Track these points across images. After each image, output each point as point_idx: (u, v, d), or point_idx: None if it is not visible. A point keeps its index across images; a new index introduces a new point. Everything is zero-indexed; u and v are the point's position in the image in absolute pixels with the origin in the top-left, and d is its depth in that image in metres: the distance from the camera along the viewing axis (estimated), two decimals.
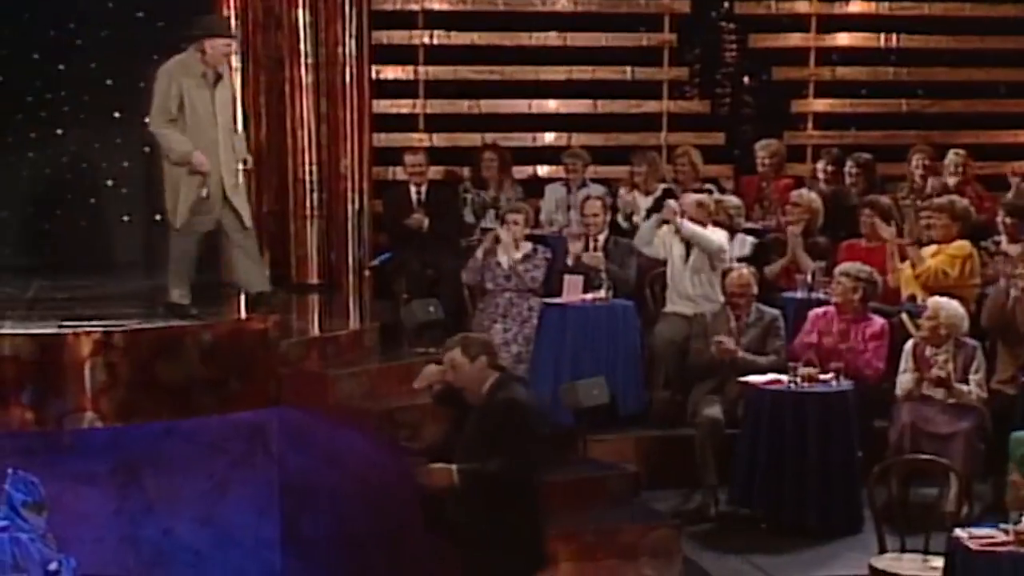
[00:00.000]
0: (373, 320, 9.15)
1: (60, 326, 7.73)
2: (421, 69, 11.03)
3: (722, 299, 8.55)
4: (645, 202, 10.13)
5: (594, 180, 10.53)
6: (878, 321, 8.37)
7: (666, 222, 8.93)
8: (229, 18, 9.43)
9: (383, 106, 10.88)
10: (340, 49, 10.19)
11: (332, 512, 7.85)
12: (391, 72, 10.97)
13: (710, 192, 9.91)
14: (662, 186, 10.27)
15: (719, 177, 10.89)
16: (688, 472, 8.15)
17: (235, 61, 10.15)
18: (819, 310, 8.46)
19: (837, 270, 8.49)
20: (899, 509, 6.84)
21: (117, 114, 11.35)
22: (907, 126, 11.52)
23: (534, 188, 10.73)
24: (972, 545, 5.96)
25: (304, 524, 8.11)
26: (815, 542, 7.56)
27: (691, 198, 9.17)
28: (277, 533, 8.26)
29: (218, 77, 8.30)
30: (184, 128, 8.21)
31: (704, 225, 8.92)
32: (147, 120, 8.56)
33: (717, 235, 8.90)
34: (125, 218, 11.48)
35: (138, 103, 11.23)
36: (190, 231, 8.35)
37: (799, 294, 9.01)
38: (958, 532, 6.12)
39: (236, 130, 8.65)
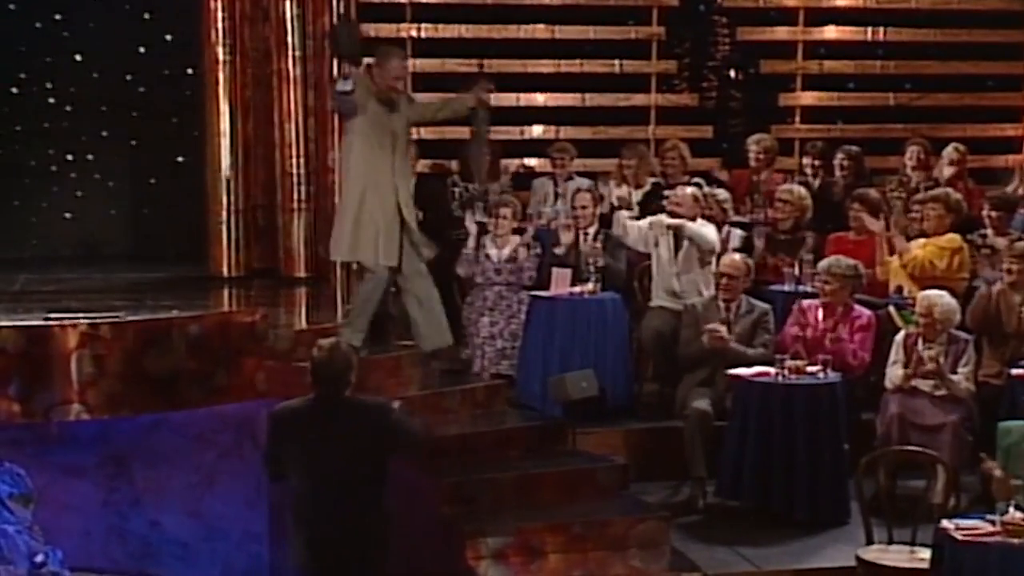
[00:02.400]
0: None
1: (46, 318, 7.71)
2: (409, 62, 10.97)
3: (711, 292, 8.56)
4: (635, 195, 10.13)
5: (581, 174, 10.51)
6: (864, 313, 8.40)
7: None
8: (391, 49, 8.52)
9: None
10: (328, 41, 10.18)
11: None
12: None
13: (699, 186, 9.92)
14: (651, 180, 10.27)
15: (713, 170, 10.87)
16: (676, 464, 8.15)
17: (223, 52, 10.21)
18: (804, 303, 8.47)
19: (820, 267, 8.50)
20: (886, 501, 6.86)
21: (104, 107, 11.36)
22: (895, 119, 11.56)
23: (522, 181, 10.72)
24: (959, 536, 5.99)
25: None
26: (803, 533, 7.56)
27: (687, 191, 9.15)
28: (265, 525, 8.25)
29: (392, 103, 8.10)
30: (356, 148, 8.08)
31: (694, 219, 8.92)
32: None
33: (711, 232, 8.91)
34: (112, 212, 11.49)
35: (123, 96, 11.32)
36: (383, 270, 8.09)
37: (787, 287, 9.03)
38: (945, 523, 6.15)
39: (408, 171, 8.37)
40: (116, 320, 7.74)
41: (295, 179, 10.31)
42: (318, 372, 6.00)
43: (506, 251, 9.20)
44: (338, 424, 5.91)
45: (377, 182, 8.04)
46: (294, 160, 10.28)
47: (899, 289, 8.93)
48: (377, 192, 8.05)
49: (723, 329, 8.21)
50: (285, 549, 7.95)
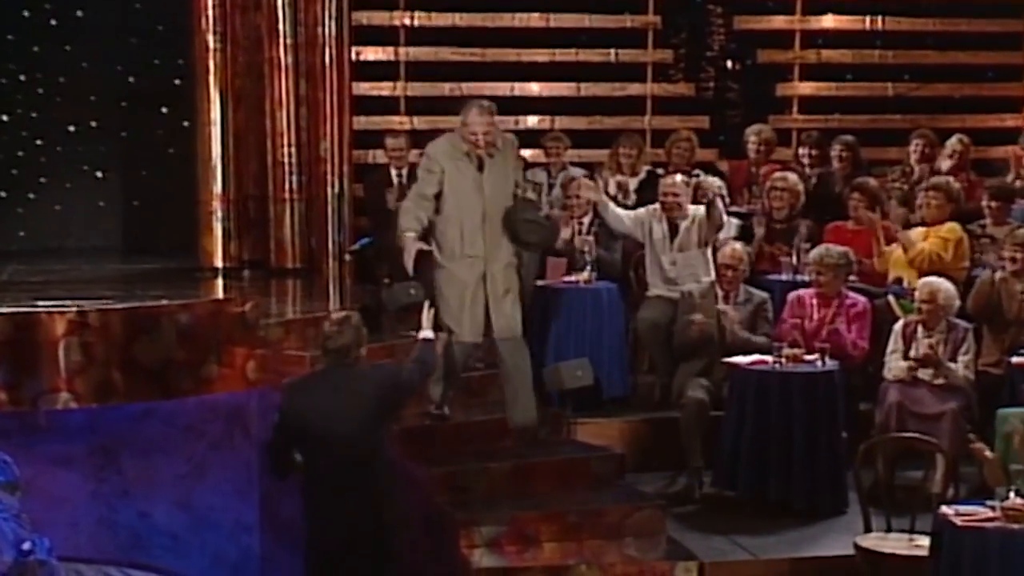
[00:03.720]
0: (354, 303, 9.13)
1: (34, 305, 7.69)
2: (402, 51, 11.02)
3: (710, 278, 8.56)
4: (631, 184, 10.14)
5: (576, 164, 10.51)
6: (859, 300, 8.41)
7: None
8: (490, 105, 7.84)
9: (363, 88, 10.86)
10: (320, 29, 10.18)
11: None
12: (371, 53, 10.95)
13: (697, 176, 9.94)
14: (646, 168, 10.28)
15: (714, 162, 10.87)
16: (673, 455, 8.18)
17: (213, 41, 10.19)
18: (797, 293, 8.48)
19: (811, 258, 8.49)
20: (885, 489, 6.87)
21: (93, 97, 11.35)
22: (893, 110, 11.57)
23: None
24: (959, 522, 6.01)
25: (283, 507, 8.01)
26: (800, 523, 7.59)
27: (676, 178, 9.16)
28: (256, 516, 8.19)
29: (479, 161, 7.56)
30: (444, 212, 7.56)
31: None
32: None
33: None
34: (101, 203, 11.48)
35: (113, 86, 11.31)
36: (470, 345, 7.66)
37: (784, 276, 9.04)
38: (945, 509, 6.17)
39: (509, 225, 7.66)
40: (105, 307, 7.72)
41: (287, 169, 10.30)
42: (327, 344, 6.33)
43: None
44: (346, 391, 6.22)
45: (461, 248, 7.52)
46: (286, 150, 10.27)
47: (898, 280, 8.94)
48: (462, 259, 7.55)
49: (705, 319, 8.18)
50: (276, 540, 8.05)
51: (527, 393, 7.65)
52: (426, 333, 6.63)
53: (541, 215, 8.17)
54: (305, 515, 6.29)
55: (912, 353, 7.99)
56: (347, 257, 10.33)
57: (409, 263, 7.51)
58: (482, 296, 7.53)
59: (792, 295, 8.46)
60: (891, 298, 8.64)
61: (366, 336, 6.38)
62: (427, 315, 6.71)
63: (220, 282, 9.89)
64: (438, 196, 7.54)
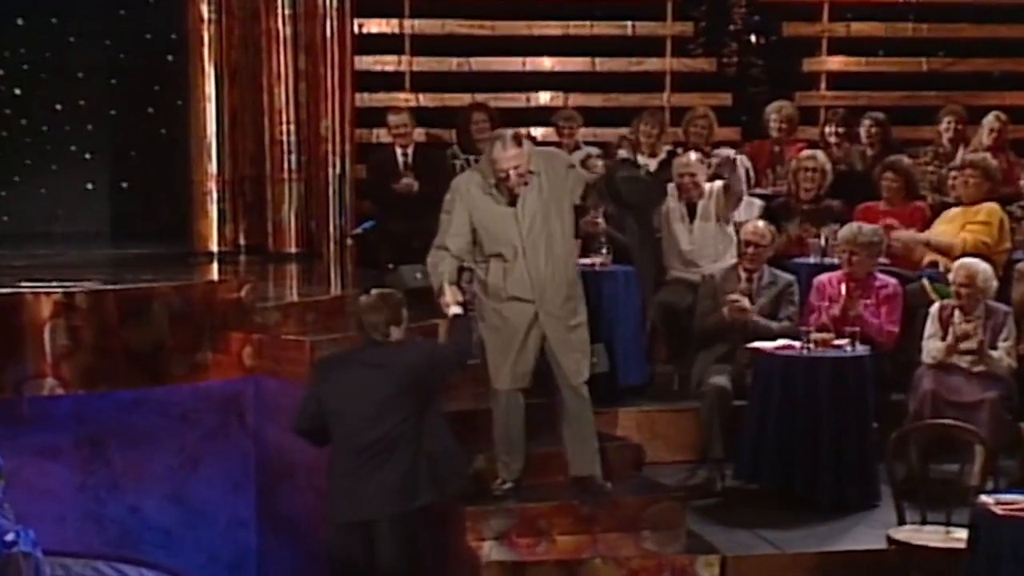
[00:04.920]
0: (356, 288, 9.12)
1: (17, 286, 7.69)
2: (407, 23, 11.02)
3: (732, 259, 8.54)
4: (650, 164, 10.12)
5: (590, 143, 10.50)
6: (889, 282, 8.38)
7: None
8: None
9: (366, 63, 10.87)
10: (320, 0, 10.15)
11: (311, 488, 7.81)
12: (375, 26, 10.97)
13: (716, 156, 9.94)
14: (667, 147, 10.27)
15: (736, 145, 10.84)
16: (693, 446, 8.16)
17: (207, 11, 10.17)
18: (824, 277, 8.45)
19: (842, 237, 8.44)
20: (919, 481, 6.83)
21: (81, 74, 11.36)
22: (927, 86, 11.55)
23: None
24: (999, 511, 5.95)
25: (281, 501, 8.09)
26: (828, 516, 7.52)
27: (691, 156, 9.16)
28: (252, 511, 8.25)
29: (512, 196, 6.90)
30: (483, 250, 6.96)
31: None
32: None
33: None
34: (89, 186, 11.50)
35: (102, 61, 11.32)
36: (513, 390, 7.08)
37: (812, 259, 9.02)
38: (984, 498, 6.12)
39: (568, 256, 7.06)
40: (93, 289, 7.72)
41: (285, 148, 10.29)
42: (361, 319, 6.54)
43: None
44: (376, 370, 6.39)
45: (507, 289, 6.92)
46: (284, 128, 10.26)
47: (933, 263, 8.92)
48: (510, 301, 6.94)
49: (745, 300, 8.18)
50: (274, 536, 8.05)
51: (590, 443, 7.11)
52: (455, 309, 6.64)
53: (641, 172, 7.93)
54: (327, 491, 6.48)
55: (951, 338, 7.94)
56: (349, 241, 10.31)
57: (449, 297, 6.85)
58: (535, 343, 6.93)
59: (819, 279, 8.42)
60: (925, 282, 8.61)
61: (405, 317, 6.54)
62: (450, 292, 6.71)
63: (215, 267, 9.90)
64: (474, 235, 6.95)
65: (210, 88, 10.26)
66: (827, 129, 10.53)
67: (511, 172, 6.80)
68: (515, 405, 7.06)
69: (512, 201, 6.87)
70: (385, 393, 6.39)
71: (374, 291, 6.61)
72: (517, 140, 6.91)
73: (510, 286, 6.89)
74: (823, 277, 8.43)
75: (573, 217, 7.07)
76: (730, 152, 9.12)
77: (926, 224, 9.26)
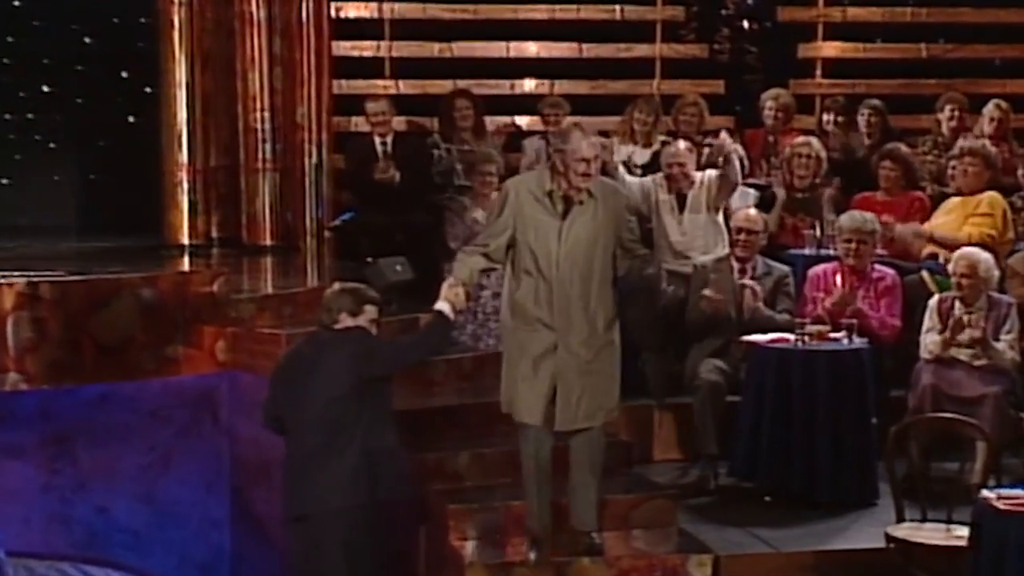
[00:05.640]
0: (334, 280, 9.10)
1: None
2: (386, 6, 10.99)
3: (724, 249, 8.55)
4: (642, 156, 10.13)
5: None
6: (887, 272, 8.40)
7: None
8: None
9: (344, 48, 10.85)
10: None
11: None
12: (353, 9, 10.94)
13: (710, 146, 9.95)
14: (662, 138, 10.28)
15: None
16: (685, 443, 8.17)
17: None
18: (819, 269, 8.46)
19: (843, 226, 8.45)
20: (919, 477, 6.84)
21: (46, 60, 11.32)
22: (927, 74, 11.53)
23: (512, 141, 10.68)
24: (1002, 506, 5.97)
25: (256, 501, 8.07)
26: (826, 515, 7.55)
27: (679, 144, 9.17)
28: (226, 511, 8.25)
29: (569, 202, 6.62)
30: (517, 264, 6.68)
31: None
32: None
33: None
34: (55, 177, 11.46)
35: (68, 47, 11.28)
36: (537, 429, 6.75)
37: (808, 250, 9.02)
38: (986, 493, 6.13)
39: (602, 291, 6.70)
40: (59, 279, 7.69)
41: (260, 136, 10.31)
42: (321, 306, 6.64)
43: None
44: (321, 359, 6.40)
45: (534, 311, 6.63)
46: (259, 115, 10.28)
47: (933, 255, 8.95)
48: (533, 324, 6.65)
49: (716, 294, 8.15)
50: (249, 537, 8.03)
51: (590, 494, 6.82)
52: (442, 305, 6.54)
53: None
54: (283, 488, 6.46)
55: (951, 331, 7.95)
56: (327, 233, 10.32)
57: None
58: (548, 374, 6.65)
59: (814, 271, 8.43)
60: (925, 273, 8.63)
61: (358, 305, 6.52)
62: (456, 289, 6.54)
63: (186, 261, 9.88)
64: (511, 245, 6.66)
65: (181, 74, 10.26)
66: (825, 117, 10.55)
67: (588, 166, 6.53)
68: (539, 442, 6.74)
69: (563, 215, 6.61)
70: (323, 384, 6.37)
71: (338, 284, 6.66)
72: (593, 132, 6.95)
73: (537, 307, 6.61)
74: (818, 268, 8.44)
75: (612, 260, 6.71)
76: (726, 139, 9.11)
77: (926, 215, 9.29)
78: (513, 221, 6.63)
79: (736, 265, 8.37)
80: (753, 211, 8.58)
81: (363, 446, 6.35)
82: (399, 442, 6.54)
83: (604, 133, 10.32)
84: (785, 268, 8.47)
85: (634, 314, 7.37)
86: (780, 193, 9.52)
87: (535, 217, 6.61)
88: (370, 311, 6.55)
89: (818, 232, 9.05)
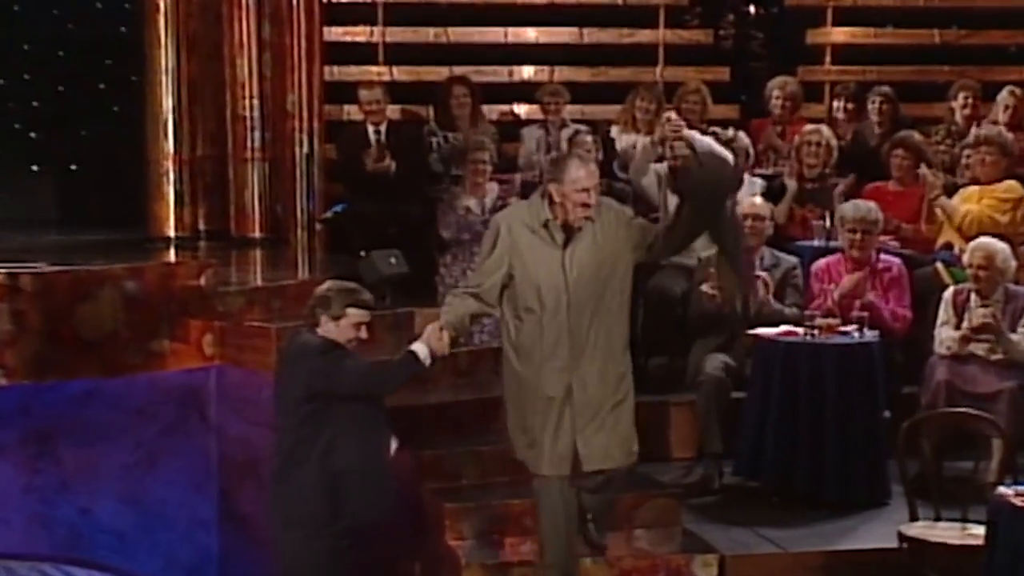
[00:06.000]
0: (325, 273, 9.12)
1: None
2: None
3: None
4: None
5: (578, 122, 10.50)
6: (892, 262, 8.43)
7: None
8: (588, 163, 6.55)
9: (336, 33, 10.86)
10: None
11: None
12: None
13: (715, 134, 9.97)
14: None
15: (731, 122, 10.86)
16: (688, 441, 8.18)
17: None
18: (823, 262, 8.49)
19: (847, 216, 8.46)
20: (932, 476, 6.84)
21: (26, 46, 11.33)
22: (940, 60, 11.56)
23: (510, 131, 10.69)
24: (1019, 503, 5.97)
25: (245, 502, 8.07)
26: (834, 515, 7.58)
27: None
28: (214, 512, 8.25)
29: (569, 230, 6.37)
30: (518, 301, 6.40)
31: None
32: None
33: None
34: (35, 167, 11.47)
35: (49, 33, 11.28)
36: (562, 480, 6.47)
37: (816, 242, 9.04)
38: (1002, 490, 6.14)
39: (618, 321, 6.47)
40: (40, 271, 7.70)
41: (248, 125, 10.29)
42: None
43: (488, 201, 9.26)
44: (288, 362, 6.37)
45: (542, 352, 6.36)
46: (247, 102, 10.26)
47: (948, 245, 8.98)
48: (545, 366, 6.36)
49: (715, 289, 8.16)
50: (237, 539, 8.04)
51: (602, 522, 6.74)
52: (418, 348, 6.26)
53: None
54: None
55: (965, 325, 7.97)
56: (318, 226, 10.32)
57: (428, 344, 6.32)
58: (569, 418, 6.37)
59: (817, 264, 8.45)
60: (939, 265, 8.65)
61: (340, 308, 6.28)
62: (438, 332, 6.26)
63: (172, 254, 9.87)
64: (509, 281, 6.41)
65: (167, 60, 10.24)
66: (835, 104, 10.57)
67: (586, 196, 6.30)
68: (564, 492, 6.47)
69: (563, 244, 6.36)
70: (286, 389, 6.30)
71: (329, 282, 6.51)
72: (591, 158, 6.78)
73: (546, 346, 6.33)
74: (821, 262, 8.47)
75: (631, 279, 6.54)
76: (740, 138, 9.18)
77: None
78: (508, 258, 6.37)
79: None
80: (759, 199, 8.60)
81: (322, 466, 6.17)
82: (379, 468, 6.28)
83: (609, 122, 10.50)
84: (793, 260, 8.50)
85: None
86: (791, 185, 9.53)
87: (533, 250, 6.35)
88: (354, 315, 6.30)
89: (827, 223, 9.07)
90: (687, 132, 8.73)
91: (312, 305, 6.37)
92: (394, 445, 6.47)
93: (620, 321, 6.48)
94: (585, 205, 6.32)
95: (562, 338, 6.33)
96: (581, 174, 6.33)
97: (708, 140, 8.71)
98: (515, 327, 6.42)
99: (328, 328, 6.30)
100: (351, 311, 6.32)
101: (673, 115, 8.30)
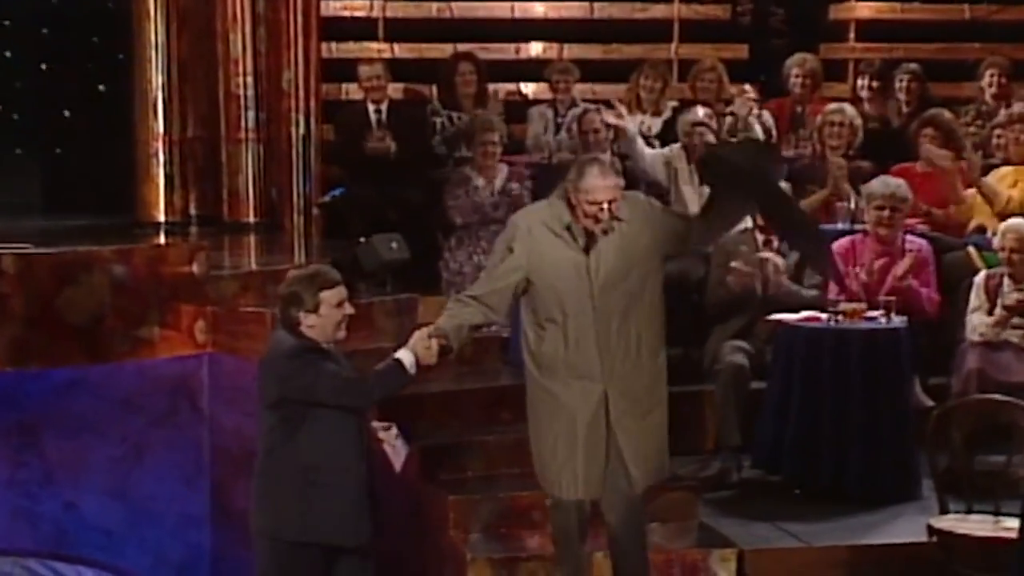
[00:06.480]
0: (323, 258, 9.12)
1: None
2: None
3: (747, 223, 8.56)
4: (653, 125, 10.16)
5: (588, 101, 10.49)
6: (919, 243, 8.43)
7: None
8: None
9: (333, 8, 10.88)
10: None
11: None
12: None
13: (732, 115, 10.01)
14: (672, 104, 10.31)
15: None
16: (705, 433, 8.18)
17: None
18: (845, 241, 8.47)
19: (875, 192, 8.46)
20: (963, 469, 6.83)
21: (7, 22, 11.34)
22: (969, 37, 11.56)
23: (517, 111, 10.68)
24: None
25: (239, 497, 7.98)
26: (859, 509, 7.57)
27: (698, 110, 9.23)
28: (205, 507, 8.25)
29: (591, 237, 6.18)
30: (539, 310, 6.23)
31: None
32: None
33: None
34: (18, 151, 11.47)
35: (31, 9, 11.28)
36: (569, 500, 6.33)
37: (841, 224, 9.04)
38: None
39: (650, 326, 6.31)
40: (23, 252, 7.71)
41: (242, 104, 10.28)
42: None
43: (497, 182, 9.27)
44: (261, 368, 6.13)
45: (567, 364, 6.19)
46: (241, 80, 10.25)
47: (980, 228, 8.98)
48: (570, 380, 6.19)
49: (746, 267, 8.16)
50: (230, 536, 8.04)
51: (637, 558, 6.46)
52: (404, 355, 6.02)
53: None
54: None
55: (998, 310, 7.97)
56: (315, 211, 10.31)
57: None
58: (600, 436, 6.19)
59: (840, 243, 8.42)
60: (971, 249, 8.65)
61: (313, 297, 5.95)
62: (420, 336, 6.05)
63: (162, 239, 9.87)
64: (526, 288, 6.22)
65: (156, 36, 10.22)
66: (859, 83, 10.56)
67: (605, 207, 6.11)
68: (580, 511, 6.33)
69: (586, 247, 6.20)
70: (260, 392, 6.07)
71: (289, 275, 6.23)
72: (615, 169, 6.44)
73: (571, 357, 6.14)
74: (844, 241, 8.45)
75: (662, 278, 6.38)
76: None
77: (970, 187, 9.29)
78: (526, 261, 6.16)
79: (760, 237, 8.38)
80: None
81: (290, 477, 5.97)
82: (354, 485, 5.99)
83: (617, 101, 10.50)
84: None
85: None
86: (835, 165, 9.46)
87: (555, 255, 6.15)
88: (329, 296, 5.98)
89: (851, 205, 9.06)
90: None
91: (283, 308, 6.03)
92: (404, 452, 6.21)
93: (654, 323, 6.31)
94: (596, 219, 6.12)
95: (590, 350, 6.15)
96: (597, 184, 6.12)
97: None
98: (536, 336, 6.24)
99: (311, 322, 5.96)
100: (324, 294, 5.98)
101: (748, 87, 8.28)
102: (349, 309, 6.08)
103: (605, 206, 6.11)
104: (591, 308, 6.14)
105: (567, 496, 6.25)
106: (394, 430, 6.23)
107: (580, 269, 6.15)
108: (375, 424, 6.22)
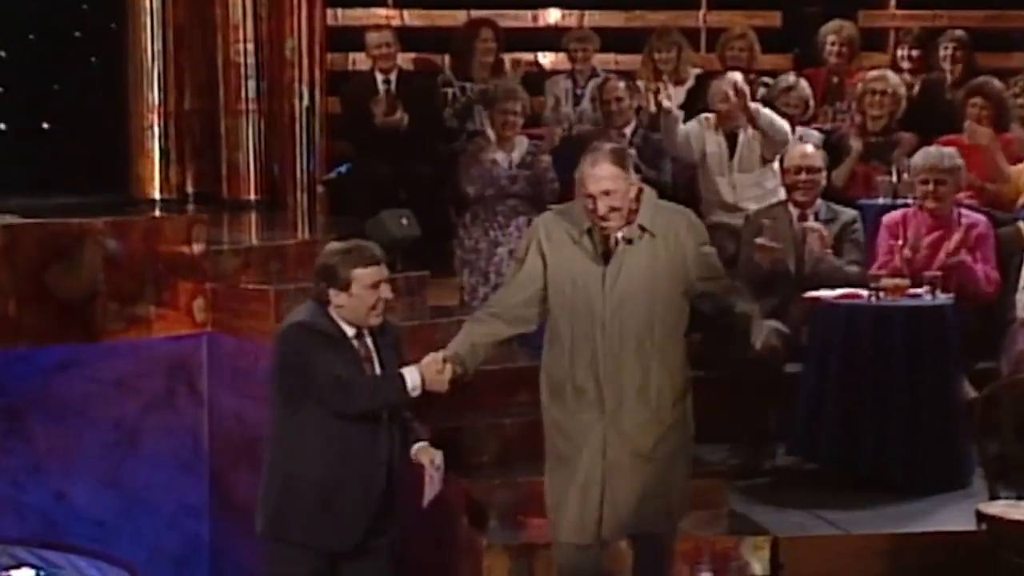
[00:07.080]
0: (328, 234, 9.14)
1: None
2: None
3: (778, 196, 8.59)
4: (677, 94, 10.16)
5: (611, 72, 10.51)
6: (978, 219, 8.42)
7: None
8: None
9: None
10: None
11: None
12: None
13: (765, 85, 10.03)
14: (695, 71, 10.33)
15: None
16: (737, 418, 8.16)
17: None
18: (897, 214, 8.48)
19: (920, 165, 8.47)
20: (1012, 456, 6.82)
21: None
22: (1017, 4, 11.53)
23: (533, 82, 10.68)
24: None
25: (239, 485, 8.05)
26: (901, 497, 7.59)
27: (730, 77, 9.28)
28: (204, 497, 8.27)
29: (609, 245, 5.90)
30: (552, 326, 6.00)
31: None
32: None
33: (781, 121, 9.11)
34: (3, 126, 11.49)
35: None
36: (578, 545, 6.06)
37: (882, 200, 9.04)
38: None
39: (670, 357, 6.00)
40: (8, 223, 7.73)
41: (242, 73, 10.30)
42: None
43: (516, 155, 9.27)
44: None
45: (573, 386, 5.94)
46: (241, 47, 10.27)
47: None
48: (575, 404, 5.94)
49: (773, 243, 8.16)
50: (230, 526, 8.06)
51: None
52: (409, 374, 5.92)
53: None
54: None
55: None
56: (320, 188, 10.33)
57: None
58: (598, 473, 5.93)
59: (889, 216, 8.44)
60: (1022, 224, 8.64)
61: (347, 270, 5.87)
62: (432, 359, 5.94)
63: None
64: (543, 299, 5.97)
65: (150, 1, 10.26)
66: (900, 52, 10.57)
67: (601, 203, 5.78)
68: (588, 561, 6.06)
69: (604, 259, 5.90)
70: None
71: (329, 245, 6.15)
72: (618, 158, 5.91)
73: (577, 379, 5.89)
74: (895, 214, 8.45)
75: (687, 311, 6.02)
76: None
77: (1019, 161, 9.29)
78: (543, 269, 5.91)
79: (795, 211, 8.38)
80: (810, 148, 8.60)
81: (276, 467, 6.02)
82: (344, 484, 5.94)
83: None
84: (852, 212, 8.55)
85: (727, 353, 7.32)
86: (856, 145, 9.48)
87: (572, 263, 5.86)
88: (362, 275, 5.89)
89: (894, 178, 9.06)
90: (752, 104, 8.86)
91: (316, 281, 5.98)
92: (439, 486, 6.04)
93: (673, 357, 5.98)
94: (601, 218, 5.83)
95: (591, 379, 5.88)
96: (587, 173, 5.85)
97: (769, 113, 8.82)
98: (547, 353, 6.03)
99: (341, 302, 5.89)
100: (357, 272, 5.88)
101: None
102: (387, 293, 5.97)
103: (599, 203, 5.81)
104: (601, 324, 5.84)
105: (564, 539, 6.04)
106: (439, 459, 6.04)
107: (594, 281, 5.84)
108: (420, 445, 6.09)
